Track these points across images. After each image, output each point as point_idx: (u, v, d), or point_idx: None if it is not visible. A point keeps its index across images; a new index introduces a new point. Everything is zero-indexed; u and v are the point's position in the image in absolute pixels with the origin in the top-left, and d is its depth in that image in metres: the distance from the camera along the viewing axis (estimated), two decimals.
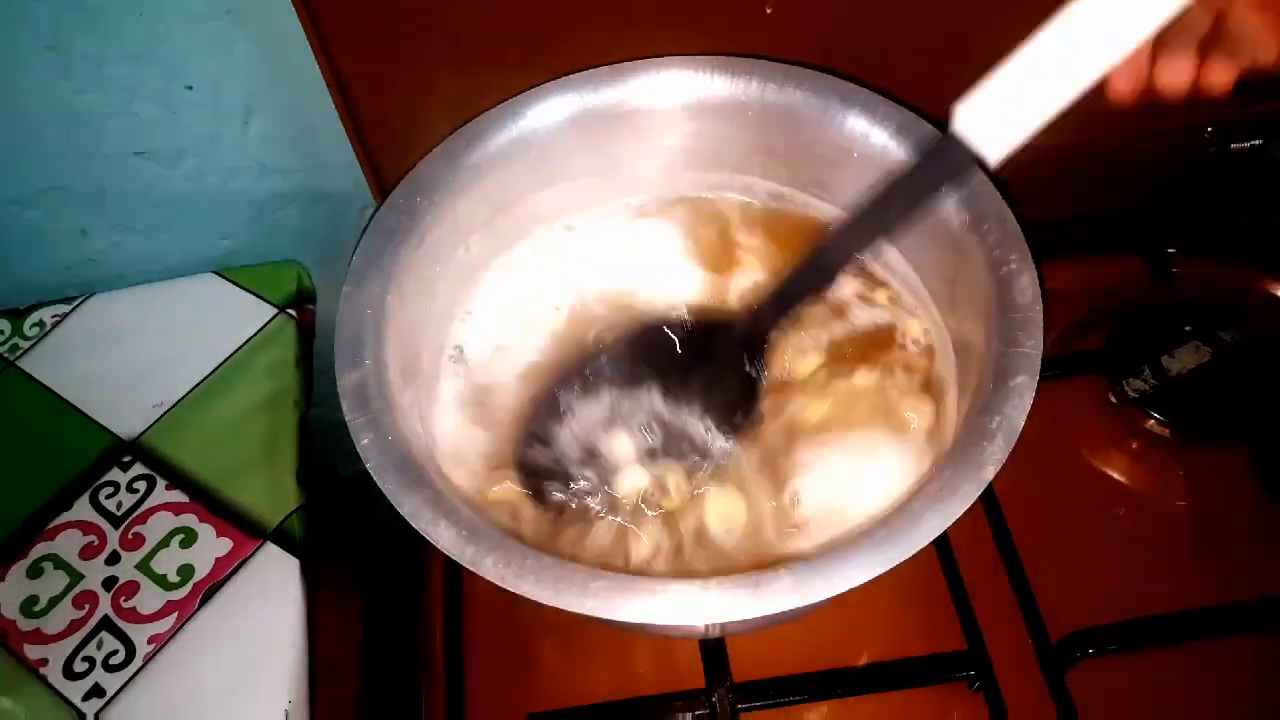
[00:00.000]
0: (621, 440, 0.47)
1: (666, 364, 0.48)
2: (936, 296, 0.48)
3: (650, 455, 0.46)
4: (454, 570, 0.52)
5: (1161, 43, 0.35)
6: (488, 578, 0.36)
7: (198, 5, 0.51)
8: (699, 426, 0.46)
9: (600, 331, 0.50)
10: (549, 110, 0.48)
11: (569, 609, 0.35)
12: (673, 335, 0.49)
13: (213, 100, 0.56)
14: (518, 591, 0.36)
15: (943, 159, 0.39)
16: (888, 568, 0.35)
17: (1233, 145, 0.59)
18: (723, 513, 0.45)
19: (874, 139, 0.46)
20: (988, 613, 0.48)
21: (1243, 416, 0.53)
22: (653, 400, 0.47)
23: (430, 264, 0.47)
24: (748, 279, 0.52)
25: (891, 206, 0.41)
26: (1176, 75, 0.35)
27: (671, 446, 0.46)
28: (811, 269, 0.44)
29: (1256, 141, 0.60)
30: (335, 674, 0.78)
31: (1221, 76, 0.35)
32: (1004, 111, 0.37)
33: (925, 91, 0.48)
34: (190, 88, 0.55)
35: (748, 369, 0.47)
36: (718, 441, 0.46)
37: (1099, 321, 0.57)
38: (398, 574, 0.60)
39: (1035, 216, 0.52)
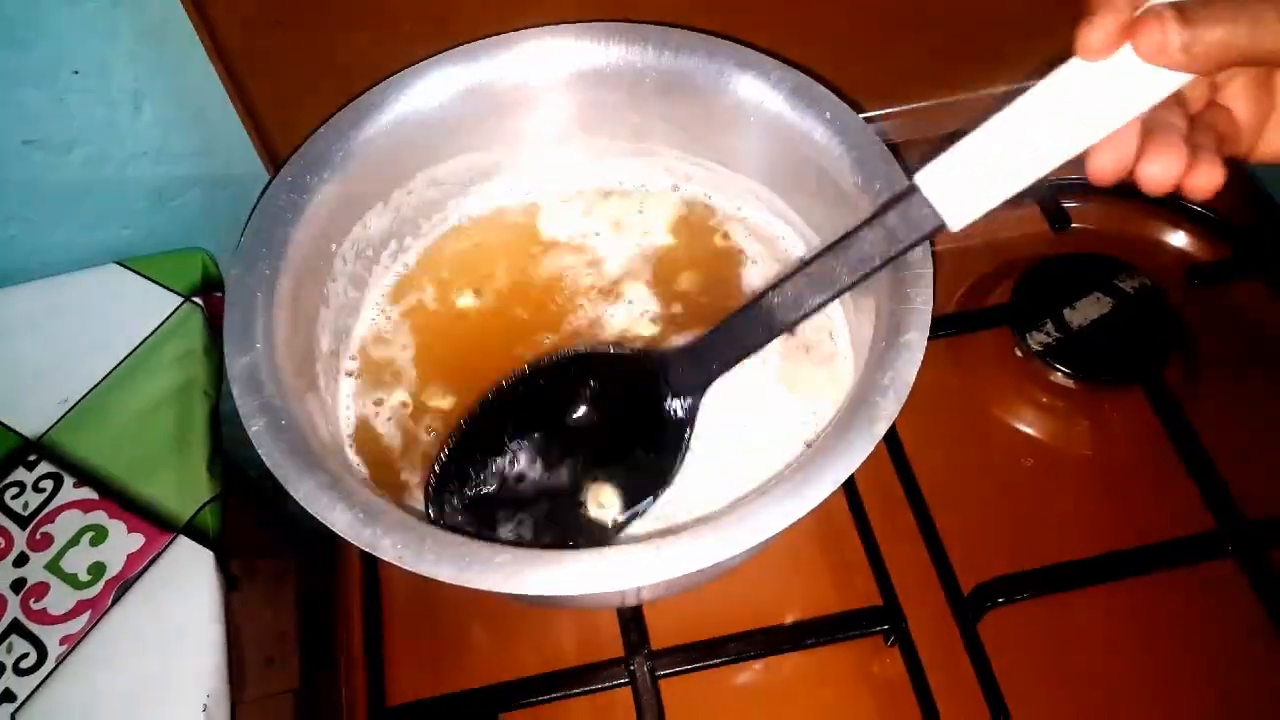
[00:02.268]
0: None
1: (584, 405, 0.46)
2: None
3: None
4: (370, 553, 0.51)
5: (1149, 130, 0.32)
6: (387, 559, 0.36)
7: None
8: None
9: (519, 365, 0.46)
10: (437, 84, 0.47)
11: (472, 586, 0.35)
12: (590, 374, 0.45)
13: (101, 85, 0.54)
14: (418, 571, 0.35)
15: (904, 216, 0.36)
16: (786, 525, 0.36)
17: None
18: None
19: (769, 104, 0.46)
20: (901, 566, 0.49)
21: (1142, 364, 0.54)
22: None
23: (325, 241, 0.46)
24: None
25: (848, 260, 0.38)
26: (1164, 169, 0.31)
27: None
28: (755, 321, 0.40)
29: None
30: (272, 666, 0.77)
31: (1209, 177, 0.31)
32: (971, 178, 0.34)
33: (820, 56, 0.48)
34: (77, 73, 0.54)
35: (673, 424, 0.44)
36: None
37: (1005, 275, 0.58)
38: (323, 560, 0.59)
39: None
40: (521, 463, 0.45)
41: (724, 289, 0.51)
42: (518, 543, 0.43)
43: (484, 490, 0.44)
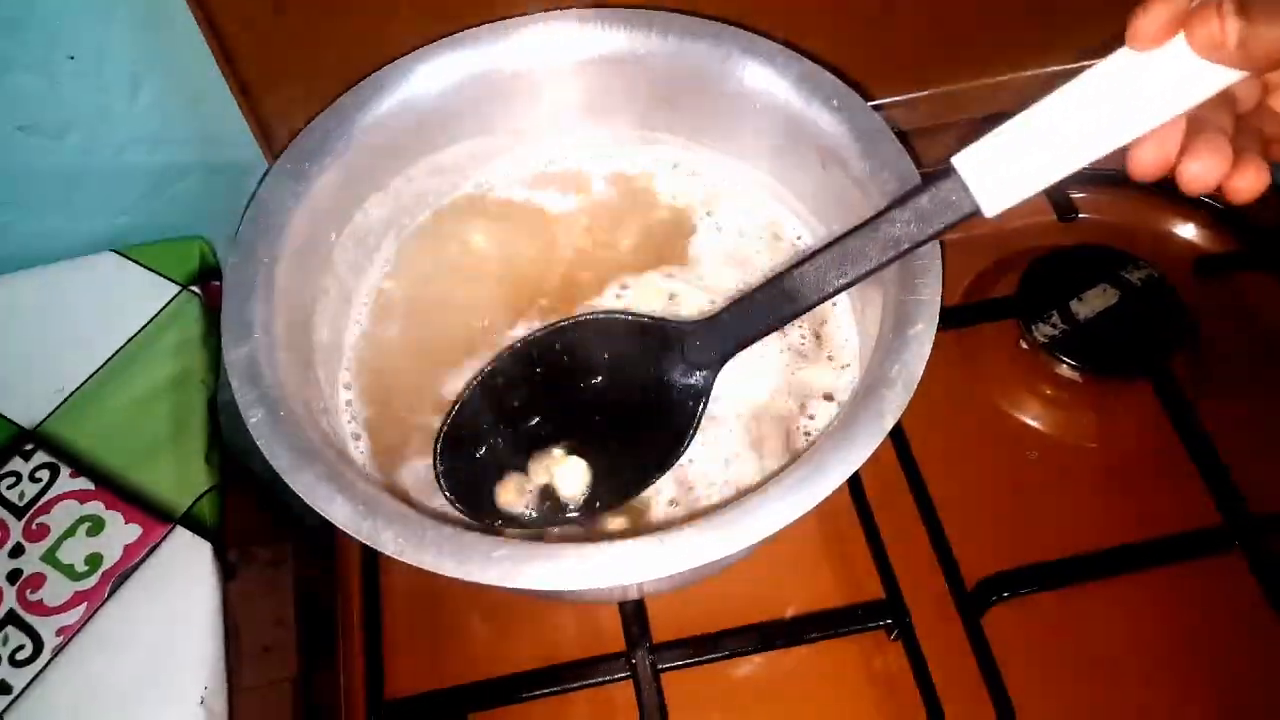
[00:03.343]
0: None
1: (595, 368, 0.44)
2: None
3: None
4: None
5: (1194, 128, 0.30)
6: (387, 552, 0.35)
7: None
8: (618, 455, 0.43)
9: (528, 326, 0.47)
10: (439, 70, 0.46)
11: (472, 579, 0.35)
12: (603, 340, 0.44)
13: (97, 70, 0.54)
14: (419, 565, 0.35)
15: (937, 199, 0.35)
16: (791, 519, 0.35)
17: None
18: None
19: (775, 90, 0.46)
20: (904, 560, 0.48)
21: (1150, 356, 0.53)
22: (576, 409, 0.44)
23: (324, 229, 0.45)
24: None
25: (877, 241, 0.37)
26: (1205, 169, 0.30)
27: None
28: (776, 298, 0.39)
29: None
30: (270, 655, 0.77)
31: (1253, 180, 0.30)
32: (1010, 164, 0.33)
33: (826, 43, 0.48)
34: (72, 57, 0.53)
35: (685, 400, 0.42)
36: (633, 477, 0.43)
37: (1012, 266, 0.57)
38: (323, 549, 0.59)
39: (936, 164, 0.52)
40: (525, 436, 0.44)
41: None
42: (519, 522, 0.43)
43: (487, 458, 0.43)
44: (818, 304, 0.39)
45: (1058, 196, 0.59)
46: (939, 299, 0.39)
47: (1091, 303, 0.54)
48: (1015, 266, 0.57)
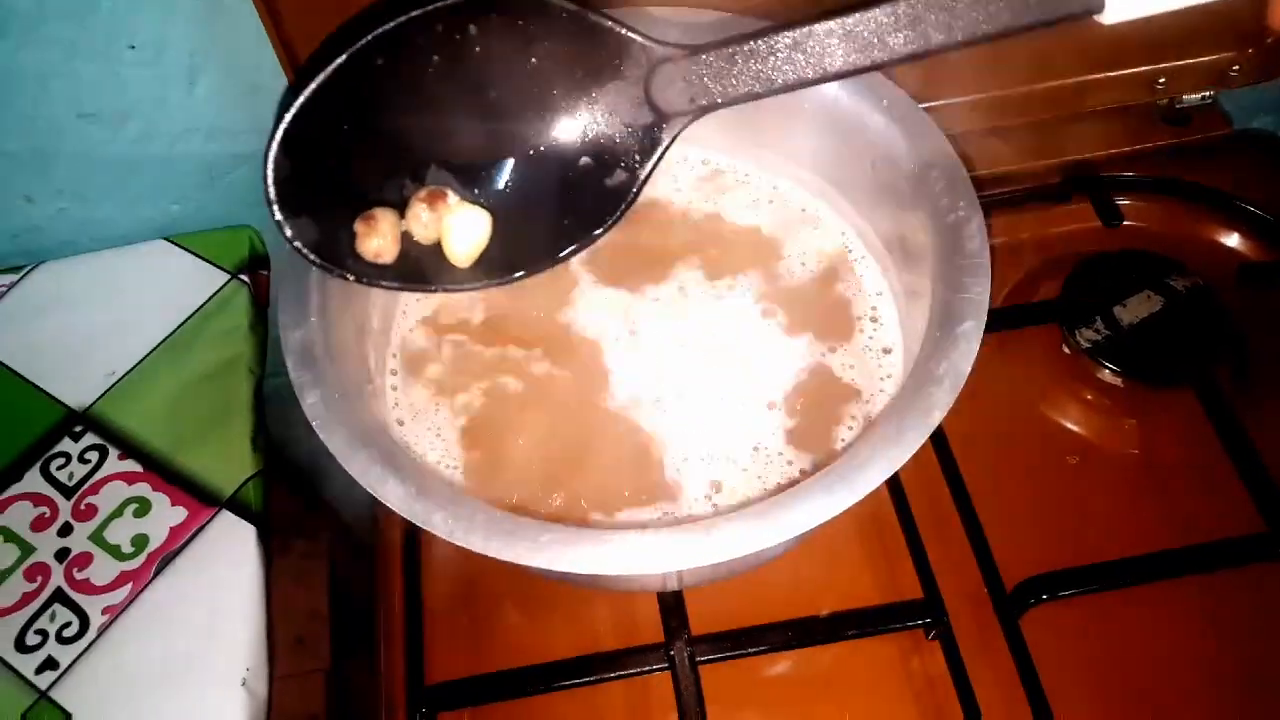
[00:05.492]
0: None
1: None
2: (889, 245, 0.48)
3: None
4: (411, 533, 0.51)
5: None
6: (437, 533, 0.36)
7: None
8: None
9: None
10: None
11: (520, 562, 0.35)
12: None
13: (157, 60, 0.55)
14: (467, 546, 0.35)
15: None
16: (836, 512, 0.35)
17: (1184, 95, 0.60)
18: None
19: (825, 90, 0.45)
20: (943, 561, 0.48)
21: (1193, 364, 0.53)
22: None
23: None
24: None
25: (966, 10, 0.28)
26: None
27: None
28: (803, 48, 0.29)
29: (1207, 93, 0.60)
30: (303, 646, 0.77)
31: None
32: None
33: None
34: (133, 47, 0.54)
35: (633, 153, 0.31)
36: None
37: (1055, 271, 0.57)
38: (360, 542, 0.59)
39: (984, 168, 0.52)
40: (407, 157, 0.32)
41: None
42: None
43: (348, 179, 0.32)
44: (856, 73, 0.30)
45: (1103, 202, 0.59)
46: (988, 298, 0.39)
47: (1135, 309, 0.54)
48: (1059, 270, 0.57)
